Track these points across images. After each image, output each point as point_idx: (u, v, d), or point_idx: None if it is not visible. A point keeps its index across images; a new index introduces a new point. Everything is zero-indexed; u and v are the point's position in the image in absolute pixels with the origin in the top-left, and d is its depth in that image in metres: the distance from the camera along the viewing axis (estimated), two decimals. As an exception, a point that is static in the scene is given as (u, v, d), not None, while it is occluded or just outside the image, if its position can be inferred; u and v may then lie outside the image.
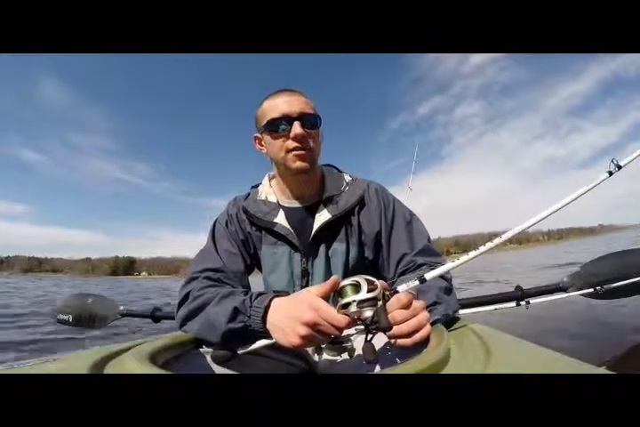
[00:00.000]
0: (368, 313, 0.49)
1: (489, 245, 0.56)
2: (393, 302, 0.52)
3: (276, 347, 0.75)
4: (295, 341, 0.53)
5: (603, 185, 0.68)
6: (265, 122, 0.79)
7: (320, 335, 0.52)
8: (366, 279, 0.51)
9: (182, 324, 0.70)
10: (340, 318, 0.49)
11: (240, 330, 0.60)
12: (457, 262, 0.57)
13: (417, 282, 0.55)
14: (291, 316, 0.53)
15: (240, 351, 0.61)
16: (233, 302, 0.63)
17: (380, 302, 0.50)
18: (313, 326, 0.51)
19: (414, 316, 0.52)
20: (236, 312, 0.61)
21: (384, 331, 0.49)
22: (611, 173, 0.68)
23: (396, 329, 0.51)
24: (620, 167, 0.68)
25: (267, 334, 0.59)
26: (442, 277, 0.73)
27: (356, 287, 0.51)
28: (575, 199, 0.61)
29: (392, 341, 0.54)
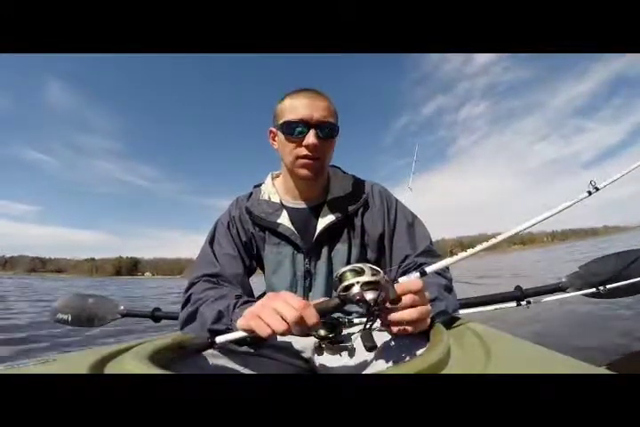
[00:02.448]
0: (371, 295, 0.46)
1: (486, 244, 0.61)
2: (401, 284, 0.52)
3: (276, 347, 0.75)
4: (252, 323, 0.50)
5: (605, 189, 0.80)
6: (282, 121, 0.77)
7: (280, 321, 0.48)
8: (369, 266, 0.50)
9: (182, 326, 0.72)
10: (303, 306, 0.48)
11: (222, 332, 0.61)
12: (456, 258, 0.59)
13: (417, 273, 0.56)
14: (257, 305, 0.53)
15: (218, 340, 0.58)
16: (221, 305, 0.65)
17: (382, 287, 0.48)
18: (272, 310, 0.49)
19: (421, 304, 0.52)
20: (220, 315, 0.63)
21: (392, 302, 0.48)
22: (590, 193, 0.78)
23: (398, 315, 0.51)
24: (597, 189, 0.79)
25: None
26: (443, 276, 0.73)
27: (358, 273, 0.49)
28: (556, 214, 0.70)
29: (392, 329, 0.52)
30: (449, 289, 0.71)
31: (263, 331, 0.49)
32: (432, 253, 0.81)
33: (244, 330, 0.53)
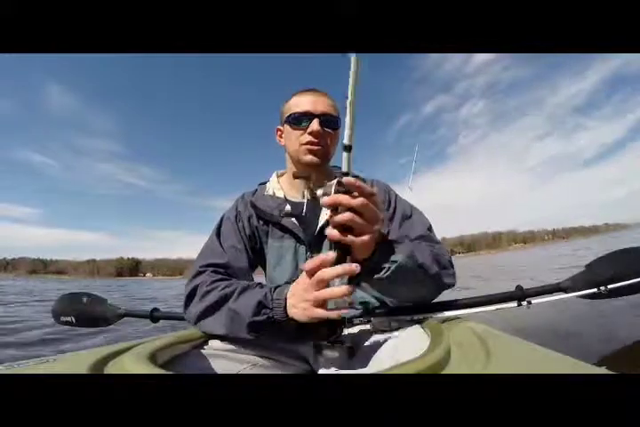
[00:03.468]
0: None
1: None
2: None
3: (276, 347, 0.75)
4: (309, 313, 0.55)
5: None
6: (287, 115, 0.84)
7: (322, 296, 0.53)
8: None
9: (198, 320, 0.71)
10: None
11: (264, 322, 0.63)
12: None
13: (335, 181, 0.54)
14: (298, 295, 0.57)
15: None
16: (255, 297, 0.65)
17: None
18: (309, 291, 0.55)
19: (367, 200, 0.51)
20: (259, 306, 0.63)
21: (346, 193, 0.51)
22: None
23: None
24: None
25: (289, 322, 0.61)
26: (438, 257, 0.71)
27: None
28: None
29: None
30: (444, 263, 0.71)
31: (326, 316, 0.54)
32: (428, 237, 0.80)
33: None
